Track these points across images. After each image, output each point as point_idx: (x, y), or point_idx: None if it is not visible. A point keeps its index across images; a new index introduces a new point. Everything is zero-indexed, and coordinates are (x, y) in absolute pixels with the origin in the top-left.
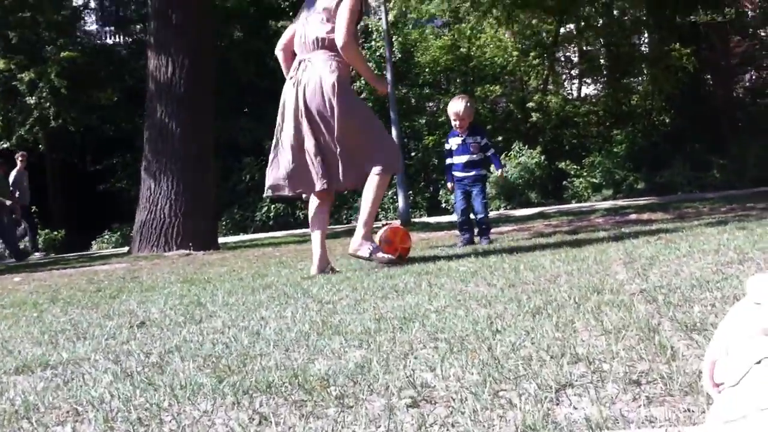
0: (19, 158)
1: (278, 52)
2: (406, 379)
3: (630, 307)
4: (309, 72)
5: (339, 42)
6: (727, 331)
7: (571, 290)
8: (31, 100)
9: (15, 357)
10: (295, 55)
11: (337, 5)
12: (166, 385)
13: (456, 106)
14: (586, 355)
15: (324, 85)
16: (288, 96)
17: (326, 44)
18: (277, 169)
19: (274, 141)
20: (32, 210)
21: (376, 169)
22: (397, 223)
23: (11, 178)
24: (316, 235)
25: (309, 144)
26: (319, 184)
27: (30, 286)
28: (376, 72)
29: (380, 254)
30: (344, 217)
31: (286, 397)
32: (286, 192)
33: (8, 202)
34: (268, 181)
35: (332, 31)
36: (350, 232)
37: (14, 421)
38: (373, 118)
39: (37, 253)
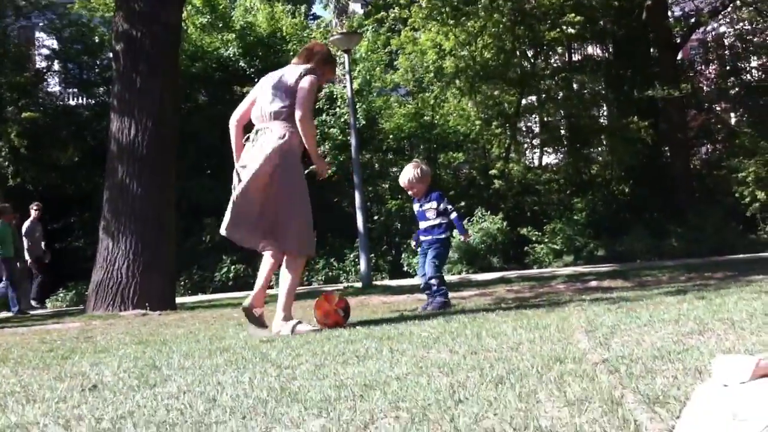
0: (34, 208)
1: (233, 122)
2: None
3: (593, 377)
4: (266, 136)
5: (298, 114)
6: (696, 415)
7: (534, 359)
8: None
9: None
10: (251, 127)
11: (297, 82)
12: None
13: (405, 175)
14: (550, 428)
15: (276, 149)
16: (245, 156)
17: (283, 116)
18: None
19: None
20: (47, 262)
21: (291, 252)
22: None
23: (24, 229)
24: (262, 272)
25: (249, 200)
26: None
27: None
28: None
29: (301, 327)
30: (304, 278)
31: None
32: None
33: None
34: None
35: (289, 105)
36: (311, 294)
37: None
38: (305, 200)
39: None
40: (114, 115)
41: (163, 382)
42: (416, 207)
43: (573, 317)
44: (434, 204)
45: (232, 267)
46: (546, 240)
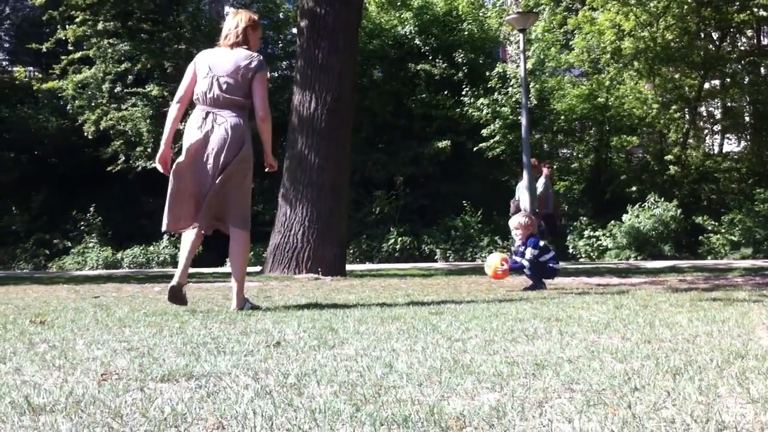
0: (545, 167)
1: (177, 104)
2: (542, 428)
3: None
4: (220, 122)
5: (261, 113)
6: None
7: (713, 352)
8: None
9: (161, 365)
10: (192, 105)
11: (253, 76)
12: (306, 407)
13: (515, 220)
14: (734, 424)
15: (235, 135)
16: (193, 141)
17: (237, 104)
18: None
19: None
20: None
21: (238, 230)
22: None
23: (539, 185)
24: (184, 249)
25: (195, 185)
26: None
27: None
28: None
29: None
30: (469, 254)
31: None
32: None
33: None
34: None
35: (244, 95)
36: (476, 270)
37: (164, 429)
38: (250, 185)
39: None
40: (296, 89)
41: (340, 345)
42: (518, 244)
43: (753, 313)
44: (530, 248)
45: (399, 239)
46: (723, 230)
